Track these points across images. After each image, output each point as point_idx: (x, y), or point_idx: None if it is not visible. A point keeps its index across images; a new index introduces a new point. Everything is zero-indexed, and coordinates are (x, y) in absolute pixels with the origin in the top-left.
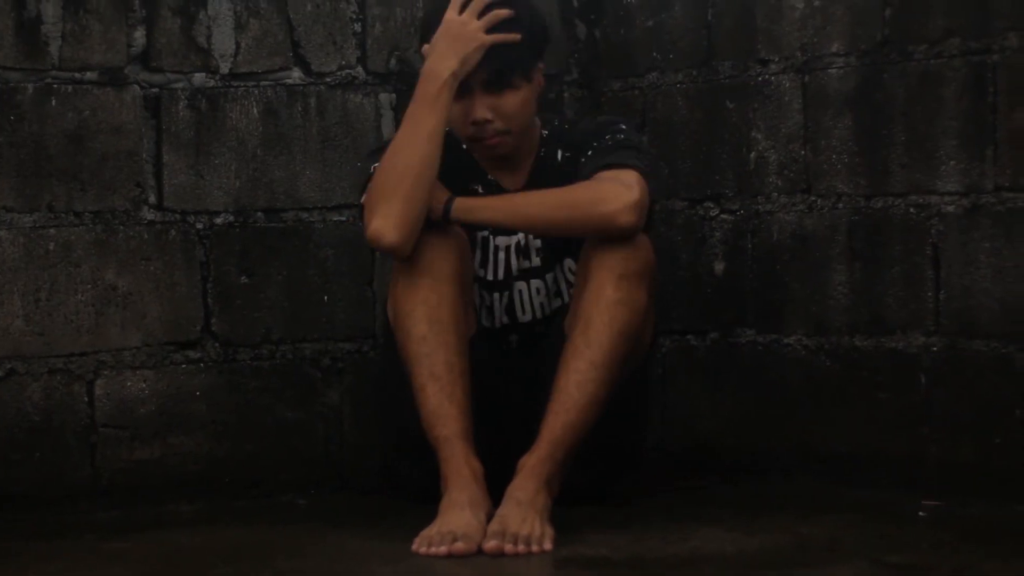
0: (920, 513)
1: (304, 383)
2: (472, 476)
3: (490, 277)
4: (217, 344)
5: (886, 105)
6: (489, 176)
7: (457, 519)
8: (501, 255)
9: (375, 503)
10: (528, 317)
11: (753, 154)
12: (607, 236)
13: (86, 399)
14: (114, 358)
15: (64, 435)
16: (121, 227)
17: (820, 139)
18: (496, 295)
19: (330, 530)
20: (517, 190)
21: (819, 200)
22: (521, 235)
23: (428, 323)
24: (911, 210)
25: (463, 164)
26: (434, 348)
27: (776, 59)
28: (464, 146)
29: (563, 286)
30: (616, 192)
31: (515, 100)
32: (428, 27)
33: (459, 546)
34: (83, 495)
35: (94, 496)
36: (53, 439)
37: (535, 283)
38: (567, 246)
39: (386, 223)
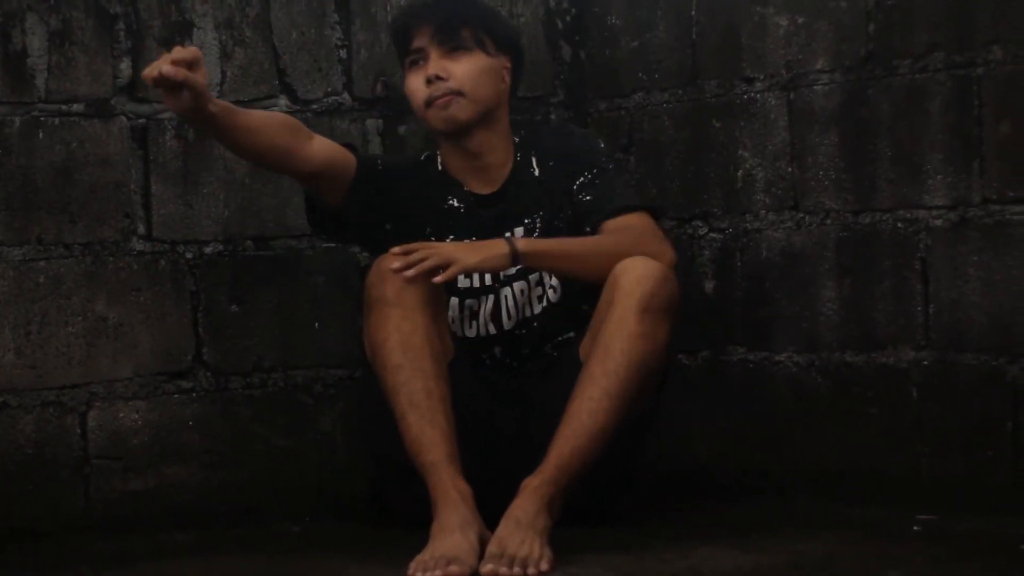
0: (915, 528)
1: (296, 410)
2: (461, 498)
3: (476, 285)
4: (209, 373)
5: (872, 120)
6: (465, 188)
7: (449, 542)
8: None
9: (370, 529)
10: (512, 323)
11: (740, 172)
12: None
13: (79, 431)
14: (106, 389)
15: (57, 467)
16: (111, 258)
17: (807, 156)
18: (483, 298)
19: (326, 557)
20: (493, 193)
21: (807, 217)
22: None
23: (402, 351)
24: (899, 225)
25: (437, 180)
26: (410, 376)
27: (761, 77)
28: (439, 163)
29: (547, 290)
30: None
31: (468, 63)
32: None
33: (453, 569)
34: (77, 527)
35: (88, 528)
36: (46, 471)
37: (518, 285)
38: None
39: None
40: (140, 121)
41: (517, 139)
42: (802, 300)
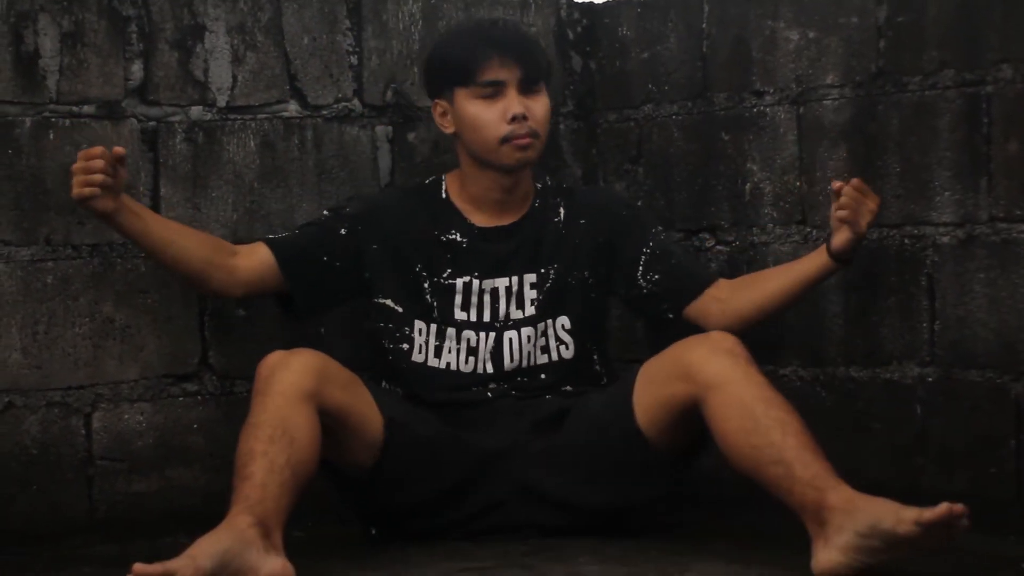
0: None
1: None
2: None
3: (474, 319)
4: (214, 377)
5: (881, 136)
6: (468, 219)
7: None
8: (487, 297)
9: (372, 535)
10: (513, 365)
11: (748, 185)
12: None
13: (84, 432)
14: (112, 391)
15: (62, 468)
16: (119, 260)
17: (815, 170)
18: (483, 335)
19: (327, 562)
20: (502, 227)
21: (814, 231)
22: (515, 280)
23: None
24: (906, 241)
25: (436, 210)
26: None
27: (771, 91)
28: (443, 191)
29: (552, 342)
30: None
31: (544, 105)
32: (430, 70)
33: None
34: (80, 528)
35: (92, 529)
36: (51, 472)
37: (526, 331)
38: (562, 301)
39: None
40: (150, 124)
41: (540, 185)
42: (808, 315)
